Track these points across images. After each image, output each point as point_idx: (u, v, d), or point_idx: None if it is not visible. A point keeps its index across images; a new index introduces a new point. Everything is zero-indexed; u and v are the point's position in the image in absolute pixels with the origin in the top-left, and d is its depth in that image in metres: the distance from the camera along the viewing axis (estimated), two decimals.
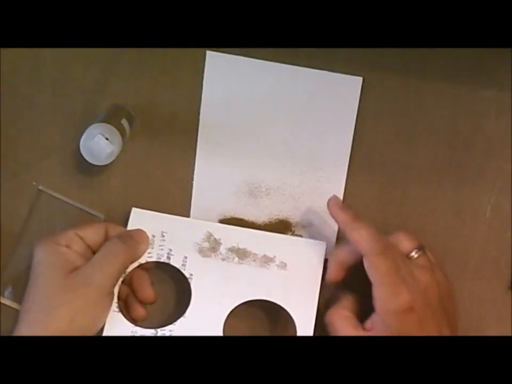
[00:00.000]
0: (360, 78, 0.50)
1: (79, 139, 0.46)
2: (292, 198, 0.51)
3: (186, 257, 0.49)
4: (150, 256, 0.49)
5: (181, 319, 0.48)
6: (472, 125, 0.52)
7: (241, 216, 0.51)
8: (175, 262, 0.49)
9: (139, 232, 0.49)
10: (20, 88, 0.51)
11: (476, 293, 0.53)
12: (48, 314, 0.44)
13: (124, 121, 0.48)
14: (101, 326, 0.47)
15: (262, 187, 0.51)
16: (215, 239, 0.49)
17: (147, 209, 0.51)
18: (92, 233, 0.48)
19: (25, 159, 0.52)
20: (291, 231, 0.51)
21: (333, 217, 0.48)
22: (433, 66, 0.51)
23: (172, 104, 0.51)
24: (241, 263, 0.49)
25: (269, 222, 0.51)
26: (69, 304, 0.44)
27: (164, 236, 0.49)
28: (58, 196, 0.52)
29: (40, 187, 0.52)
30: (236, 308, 0.48)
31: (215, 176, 0.51)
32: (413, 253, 0.47)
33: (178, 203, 0.52)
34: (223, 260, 0.49)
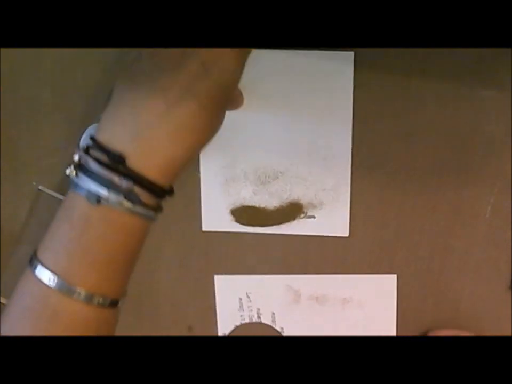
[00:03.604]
0: (352, 53, 0.49)
1: (79, 139, 0.46)
2: (300, 178, 0.51)
3: (274, 313, 0.53)
4: (243, 319, 0.53)
5: None
6: (472, 125, 0.52)
7: (252, 204, 0.51)
8: (266, 320, 0.53)
9: None
10: (20, 88, 0.51)
11: (475, 293, 0.53)
12: None
13: None
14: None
15: (269, 172, 0.50)
16: (294, 290, 0.51)
17: None
18: None
19: (25, 159, 0.52)
20: (303, 213, 0.51)
21: None
22: (433, 66, 0.51)
23: None
24: (322, 309, 0.53)
25: (280, 206, 0.51)
26: None
27: (249, 296, 0.53)
28: (58, 195, 0.52)
29: (40, 187, 0.52)
30: None
31: (220, 167, 0.51)
32: None
33: (177, 203, 0.52)
34: (306, 308, 0.53)
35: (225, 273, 0.53)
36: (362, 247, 0.53)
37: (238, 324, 0.54)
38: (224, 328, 0.54)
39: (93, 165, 0.40)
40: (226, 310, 0.54)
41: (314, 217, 0.51)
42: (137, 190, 0.40)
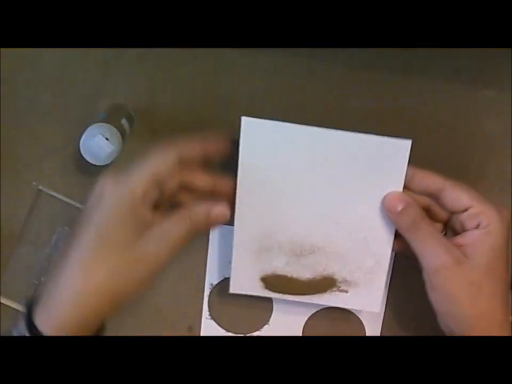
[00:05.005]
0: (409, 142, 0.45)
1: (79, 139, 0.46)
2: (338, 255, 0.48)
3: None
4: None
5: (266, 326, 0.55)
6: (472, 125, 0.52)
7: (283, 273, 0.49)
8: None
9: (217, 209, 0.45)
10: (20, 88, 0.51)
11: None
12: (88, 269, 0.42)
13: (124, 121, 0.48)
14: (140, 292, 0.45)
15: (305, 246, 0.48)
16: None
17: None
18: (165, 168, 0.44)
19: (25, 159, 0.52)
20: (336, 287, 0.50)
21: (389, 217, 0.46)
22: (433, 66, 0.51)
23: (172, 104, 0.51)
24: None
25: (313, 278, 0.49)
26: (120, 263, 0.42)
27: None
28: (58, 195, 0.52)
29: (40, 187, 0.52)
30: (312, 314, 0.55)
31: (254, 235, 0.48)
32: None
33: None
34: None
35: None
36: None
37: (227, 275, 0.52)
38: (212, 278, 0.54)
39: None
40: (217, 261, 0.53)
41: (347, 292, 0.50)
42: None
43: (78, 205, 0.52)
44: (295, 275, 0.49)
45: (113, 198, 0.43)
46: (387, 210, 0.46)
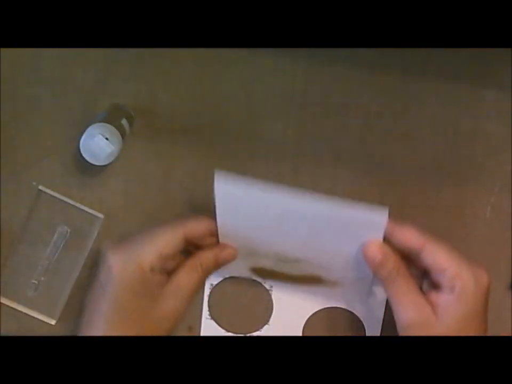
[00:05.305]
0: (386, 211, 0.44)
1: (79, 139, 0.46)
2: (322, 267, 0.50)
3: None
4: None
5: (266, 326, 0.54)
6: (472, 125, 0.52)
7: (271, 269, 0.51)
8: (257, 277, 0.53)
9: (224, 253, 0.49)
10: (20, 88, 0.51)
11: None
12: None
13: (124, 121, 0.48)
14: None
15: (290, 257, 0.49)
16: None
17: (146, 211, 0.51)
18: (172, 248, 0.47)
19: (25, 159, 0.52)
20: (323, 284, 0.51)
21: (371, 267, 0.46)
22: (433, 66, 0.51)
23: (172, 104, 0.51)
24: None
25: (301, 275, 0.51)
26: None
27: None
28: (58, 195, 0.52)
29: (40, 187, 0.52)
30: (312, 314, 0.54)
31: (240, 245, 0.49)
32: None
33: (178, 204, 0.52)
34: None
35: None
36: None
37: (227, 276, 0.53)
38: (212, 279, 0.54)
39: None
40: None
41: (334, 289, 0.51)
42: None
43: (78, 205, 0.52)
44: (283, 271, 0.51)
45: (123, 271, 0.45)
46: (365, 259, 0.46)
